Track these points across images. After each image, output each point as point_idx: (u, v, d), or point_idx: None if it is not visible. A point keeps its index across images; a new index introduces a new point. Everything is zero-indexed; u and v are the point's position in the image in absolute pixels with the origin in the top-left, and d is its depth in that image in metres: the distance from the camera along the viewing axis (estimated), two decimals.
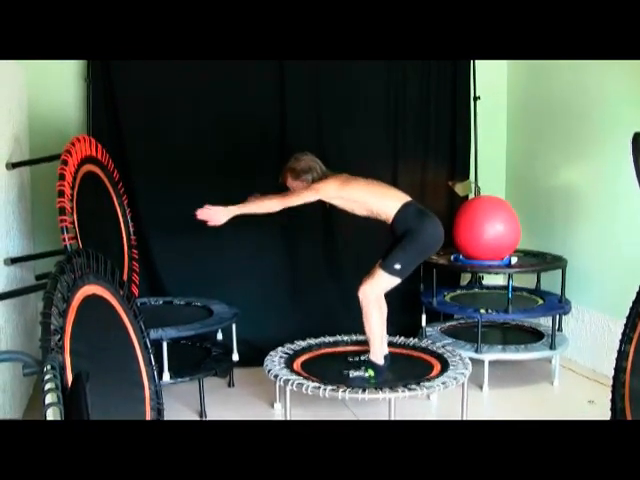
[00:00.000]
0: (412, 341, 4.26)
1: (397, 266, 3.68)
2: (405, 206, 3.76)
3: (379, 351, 3.84)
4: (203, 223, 3.67)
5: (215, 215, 3.67)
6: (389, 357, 3.90)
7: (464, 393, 3.73)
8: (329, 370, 3.83)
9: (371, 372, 3.77)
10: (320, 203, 3.96)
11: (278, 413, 3.99)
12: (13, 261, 3.59)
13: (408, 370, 3.88)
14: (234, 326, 4.14)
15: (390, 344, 4.12)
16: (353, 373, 3.76)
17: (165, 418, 3.10)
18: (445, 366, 3.84)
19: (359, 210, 3.81)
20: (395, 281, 3.74)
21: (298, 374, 3.72)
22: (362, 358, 3.94)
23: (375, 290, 3.75)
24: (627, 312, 3.29)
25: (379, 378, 3.75)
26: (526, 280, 4.96)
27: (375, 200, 3.76)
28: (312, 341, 4.27)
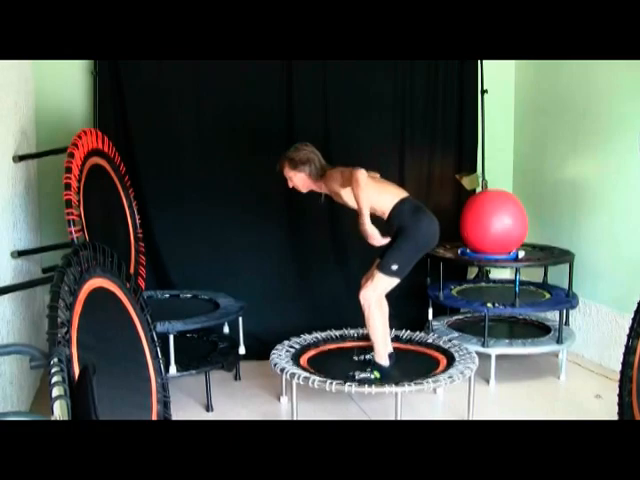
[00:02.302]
0: (418, 335, 4.25)
1: (394, 267, 3.66)
2: (401, 202, 3.73)
3: (383, 352, 3.82)
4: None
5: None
6: (394, 355, 3.89)
7: (471, 387, 3.72)
8: (336, 368, 3.82)
9: (377, 374, 3.75)
10: (315, 194, 3.95)
11: (284, 407, 4.00)
12: (20, 254, 3.60)
13: (415, 366, 3.88)
14: (240, 319, 4.14)
15: (396, 339, 4.12)
16: (359, 375, 3.75)
17: (171, 411, 3.10)
18: (452, 360, 3.84)
19: (355, 203, 3.77)
20: (394, 282, 3.72)
21: (305, 370, 3.72)
22: (367, 357, 3.93)
23: (375, 293, 3.73)
24: (635, 307, 3.28)
25: (385, 379, 3.73)
26: (533, 274, 4.95)
27: (372, 194, 3.73)
28: (319, 335, 4.27)
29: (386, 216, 3.73)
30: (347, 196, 3.75)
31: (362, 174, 3.55)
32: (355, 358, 4.01)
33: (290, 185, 3.92)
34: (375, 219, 3.71)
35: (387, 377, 3.72)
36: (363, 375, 3.74)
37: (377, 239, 3.62)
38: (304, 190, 3.93)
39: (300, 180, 3.86)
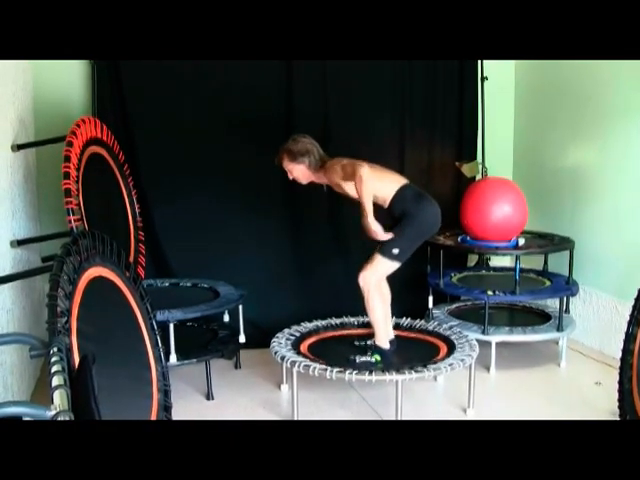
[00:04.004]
0: (419, 323, 4.25)
1: (395, 251, 3.66)
2: (402, 189, 3.73)
3: (384, 336, 3.83)
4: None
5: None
6: (395, 342, 3.89)
7: (471, 375, 3.72)
8: (336, 354, 3.82)
9: (377, 357, 3.76)
10: (316, 185, 3.94)
11: (285, 395, 4.00)
12: (19, 243, 3.59)
13: (415, 353, 3.88)
14: (240, 307, 4.14)
15: (396, 326, 4.12)
16: (359, 358, 3.75)
17: (172, 400, 3.11)
18: (452, 348, 3.84)
19: (355, 193, 3.76)
20: (394, 266, 3.72)
21: (305, 357, 3.73)
22: (368, 342, 3.93)
23: (375, 276, 3.73)
24: (635, 294, 3.28)
25: (385, 362, 3.74)
26: (533, 261, 4.95)
27: (373, 183, 3.73)
28: (319, 323, 4.27)
29: (387, 204, 3.72)
30: (349, 188, 3.75)
31: (365, 171, 3.57)
32: (356, 343, 4.01)
33: (290, 177, 3.92)
34: (375, 207, 3.72)
35: (387, 362, 3.72)
36: (363, 359, 3.75)
37: (381, 234, 3.66)
38: (304, 182, 3.93)
39: (300, 172, 3.86)
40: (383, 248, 3.69)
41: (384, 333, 3.83)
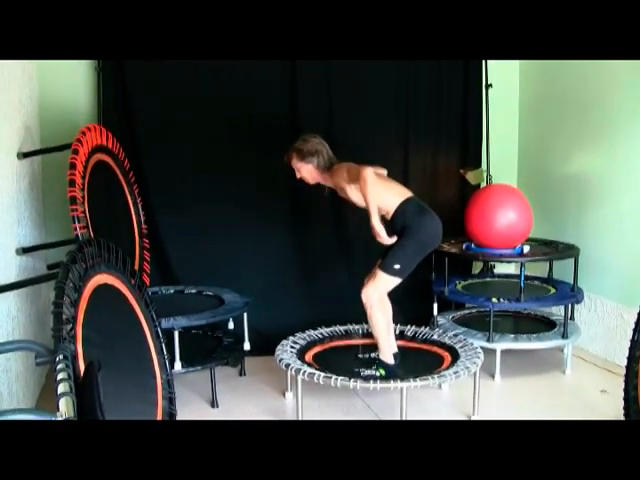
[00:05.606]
0: (423, 331, 4.25)
1: (396, 266, 3.64)
2: (405, 202, 3.71)
3: (388, 351, 3.81)
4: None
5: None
6: (399, 355, 3.87)
7: (476, 382, 3.72)
8: (341, 366, 3.78)
9: (382, 371, 3.74)
10: (320, 188, 3.94)
11: (289, 402, 4.00)
12: (25, 251, 3.60)
13: (420, 362, 3.88)
14: (245, 315, 4.14)
15: (401, 335, 4.11)
16: (364, 372, 3.74)
17: (176, 407, 3.11)
18: (457, 356, 3.83)
19: (359, 201, 3.75)
20: (396, 281, 3.70)
21: (310, 366, 3.72)
22: (372, 356, 3.92)
23: (377, 292, 3.71)
24: None
25: (390, 377, 3.71)
26: (538, 269, 4.94)
27: (377, 193, 3.72)
28: (323, 331, 4.26)
29: (390, 215, 3.72)
30: (352, 192, 3.74)
31: (369, 172, 3.56)
32: (360, 356, 4.00)
33: (298, 176, 3.92)
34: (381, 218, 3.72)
35: (392, 375, 3.71)
36: (368, 372, 3.74)
37: (384, 237, 3.63)
38: (312, 182, 3.92)
39: (308, 172, 3.86)
40: (384, 264, 3.68)
41: (388, 347, 3.81)
